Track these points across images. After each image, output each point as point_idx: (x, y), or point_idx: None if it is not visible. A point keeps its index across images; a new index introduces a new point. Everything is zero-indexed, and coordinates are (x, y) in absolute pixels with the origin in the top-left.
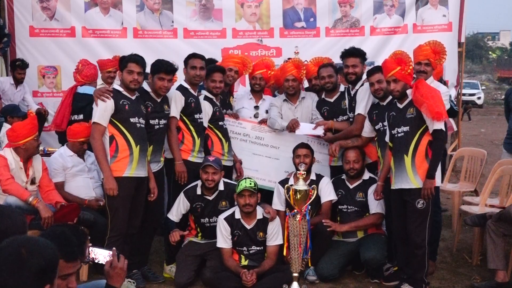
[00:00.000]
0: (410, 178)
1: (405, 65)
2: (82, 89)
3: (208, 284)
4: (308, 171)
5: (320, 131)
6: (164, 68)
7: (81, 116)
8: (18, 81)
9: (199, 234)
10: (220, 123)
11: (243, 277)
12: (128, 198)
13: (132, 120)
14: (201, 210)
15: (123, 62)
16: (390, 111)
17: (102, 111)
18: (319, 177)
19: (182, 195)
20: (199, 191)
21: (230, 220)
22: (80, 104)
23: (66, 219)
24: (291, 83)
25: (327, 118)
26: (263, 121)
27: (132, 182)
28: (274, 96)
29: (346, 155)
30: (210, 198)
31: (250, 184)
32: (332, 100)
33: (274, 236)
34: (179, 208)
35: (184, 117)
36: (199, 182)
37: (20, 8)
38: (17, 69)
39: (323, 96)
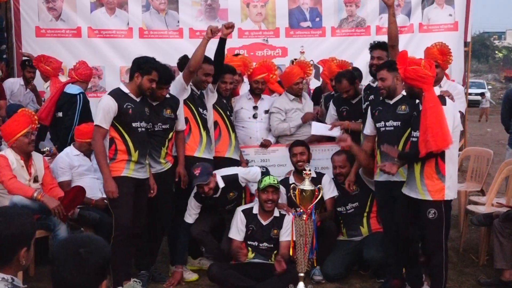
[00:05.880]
0: (418, 188)
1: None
2: (68, 87)
3: (214, 280)
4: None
5: (336, 132)
6: (165, 79)
7: (60, 114)
8: (27, 81)
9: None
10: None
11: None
12: (129, 195)
13: (134, 124)
14: (213, 203)
15: (147, 67)
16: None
17: (105, 113)
18: (320, 175)
19: (192, 199)
20: (203, 194)
21: (248, 213)
22: (60, 103)
23: (75, 203)
24: (300, 85)
25: (345, 118)
26: (264, 145)
27: (131, 180)
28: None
29: (333, 160)
30: (217, 195)
31: (274, 181)
32: (353, 102)
33: (288, 231)
34: (192, 209)
35: (192, 106)
36: None
37: (26, 8)
38: (27, 67)
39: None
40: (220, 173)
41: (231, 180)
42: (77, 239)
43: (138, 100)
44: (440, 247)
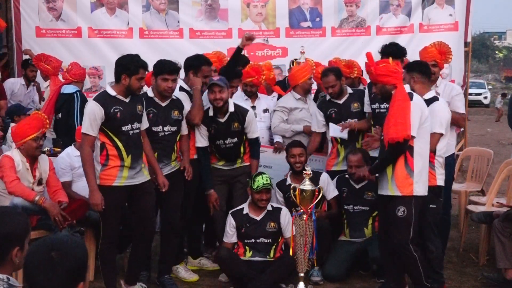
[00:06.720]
0: (388, 185)
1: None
2: (64, 88)
3: (221, 262)
4: (303, 169)
5: (345, 134)
6: (167, 68)
7: (59, 116)
8: (29, 80)
9: (217, 157)
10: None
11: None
12: (118, 207)
13: (123, 128)
14: (215, 131)
15: (133, 67)
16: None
17: (92, 120)
18: (317, 174)
19: None
20: (211, 113)
21: (237, 215)
22: (58, 104)
23: (76, 214)
24: (312, 81)
25: (335, 120)
26: (277, 148)
27: (123, 190)
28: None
29: (348, 159)
30: (222, 120)
31: (267, 181)
32: (340, 102)
33: (288, 226)
34: (201, 133)
35: None
36: (210, 105)
37: (27, 8)
38: (30, 66)
39: (328, 97)
40: (235, 100)
41: (240, 111)
42: (49, 242)
43: (127, 100)
44: (406, 245)
